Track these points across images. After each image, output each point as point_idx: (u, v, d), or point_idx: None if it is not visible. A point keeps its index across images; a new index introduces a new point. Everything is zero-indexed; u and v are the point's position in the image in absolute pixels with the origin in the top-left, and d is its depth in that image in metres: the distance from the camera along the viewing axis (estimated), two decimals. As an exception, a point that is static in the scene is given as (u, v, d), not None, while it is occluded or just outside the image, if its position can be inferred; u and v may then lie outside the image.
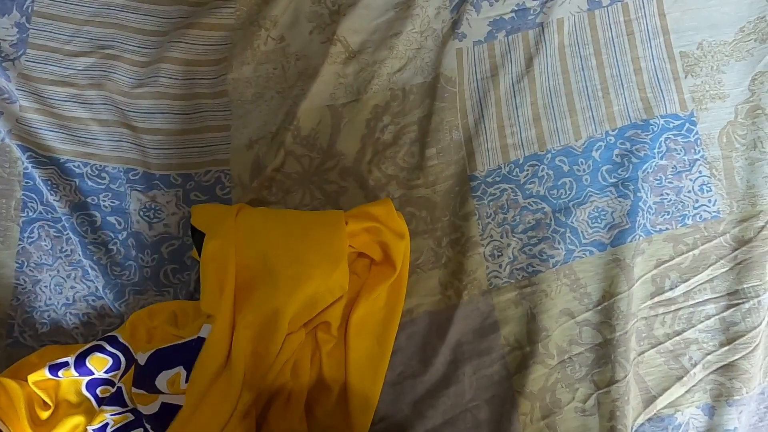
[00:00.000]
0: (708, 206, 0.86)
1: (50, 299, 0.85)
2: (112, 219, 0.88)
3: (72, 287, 0.85)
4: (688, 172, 0.87)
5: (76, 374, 0.75)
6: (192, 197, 0.88)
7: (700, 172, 0.87)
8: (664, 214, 0.86)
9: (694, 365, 0.82)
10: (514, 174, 0.87)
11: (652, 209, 0.86)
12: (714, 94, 0.89)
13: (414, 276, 0.84)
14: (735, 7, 0.91)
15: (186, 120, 0.91)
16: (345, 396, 0.77)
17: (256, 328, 0.71)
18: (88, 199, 0.88)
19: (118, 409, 0.74)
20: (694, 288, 0.84)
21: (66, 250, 0.86)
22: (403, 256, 0.80)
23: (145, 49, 0.93)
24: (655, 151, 0.87)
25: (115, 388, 0.75)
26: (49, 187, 0.86)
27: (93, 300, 0.85)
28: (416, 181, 0.87)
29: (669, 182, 0.87)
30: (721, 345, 0.83)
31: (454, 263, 0.84)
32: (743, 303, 0.83)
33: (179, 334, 0.76)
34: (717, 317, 0.83)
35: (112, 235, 0.87)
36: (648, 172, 0.86)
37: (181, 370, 0.72)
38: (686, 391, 0.82)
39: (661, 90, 0.89)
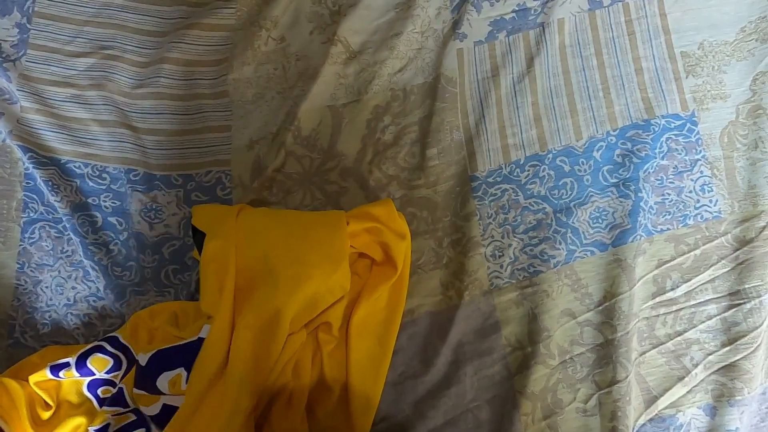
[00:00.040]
0: (709, 206, 0.86)
1: (51, 300, 0.85)
2: (113, 219, 0.88)
3: (73, 288, 0.85)
4: (689, 172, 0.87)
5: (77, 375, 0.75)
6: (193, 198, 0.89)
7: (702, 172, 0.87)
8: (665, 215, 0.86)
9: (696, 365, 0.82)
10: (515, 174, 0.87)
11: (653, 209, 0.86)
12: (715, 94, 0.89)
13: (415, 276, 0.84)
14: (736, 7, 0.90)
15: (187, 120, 0.91)
16: (346, 396, 0.77)
17: (257, 329, 0.71)
18: (89, 200, 0.88)
19: (120, 409, 0.74)
20: (695, 288, 0.84)
21: (67, 251, 0.86)
22: (404, 256, 0.80)
23: (145, 49, 0.93)
24: (657, 151, 0.87)
25: (117, 388, 0.75)
26: (50, 188, 0.86)
27: (94, 300, 0.85)
28: (417, 182, 0.87)
29: (670, 182, 0.87)
30: (723, 345, 0.83)
31: (456, 263, 0.84)
32: (745, 303, 0.83)
33: (180, 335, 0.76)
34: (718, 317, 0.83)
35: (113, 235, 0.87)
36: (649, 172, 0.86)
37: (182, 371, 0.72)
38: (688, 392, 0.82)
39: (662, 90, 0.89)
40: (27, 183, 0.88)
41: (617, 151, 0.87)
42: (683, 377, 0.82)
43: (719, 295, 0.84)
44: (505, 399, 0.80)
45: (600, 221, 0.85)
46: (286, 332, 0.72)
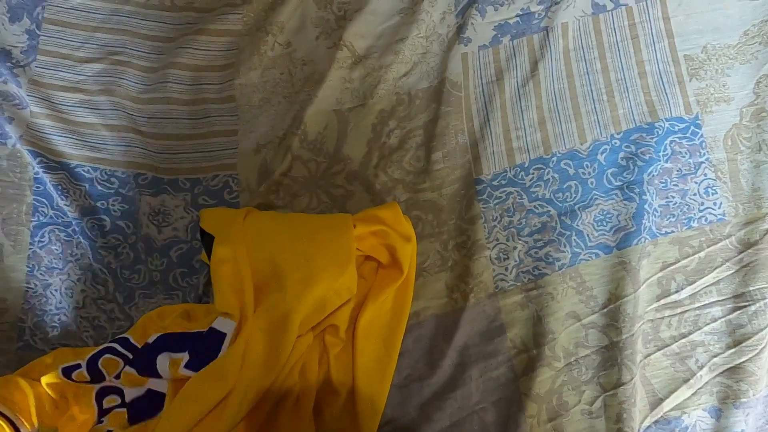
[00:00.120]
0: (713, 209, 0.86)
1: (60, 303, 0.86)
2: (121, 223, 0.88)
3: (82, 291, 0.86)
4: (693, 175, 0.87)
5: (89, 377, 0.75)
6: (200, 201, 0.89)
7: (705, 174, 0.87)
8: (669, 217, 0.86)
9: (701, 368, 0.83)
10: (519, 177, 0.88)
11: (657, 212, 0.86)
12: (719, 97, 0.89)
13: (421, 279, 0.84)
14: (739, 10, 0.91)
15: (194, 125, 0.92)
16: (352, 399, 0.78)
17: (266, 332, 0.72)
18: (98, 204, 0.89)
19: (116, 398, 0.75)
20: (700, 290, 0.84)
21: (76, 254, 0.87)
22: (410, 259, 0.81)
23: (153, 55, 0.94)
24: (660, 154, 0.87)
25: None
26: (59, 192, 0.87)
27: (103, 303, 0.86)
28: (422, 185, 0.88)
29: (674, 185, 0.87)
30: (728, 347, 0.83)
31: (461, 266, 0.85)
32: (749, 305, 0.83)
33: (191, 326, 0.77)
34: (723, 320, 0.83)
35: (121, 238, 0.88)
36: (653, 175, 0.86)
37: (185, 356, 0.72)
38: (693, 394, 0.82)
39: (666, 93, 0.89)
40: (37, 187, 0.89)
41: (621, 154, 0.88)
42: (688, 379, 0.82)
43: (724, 298, 0.84)
44: (511, 401, 0.81)
45: (604, 224, 0.86)
46: (295, 335, 0.72)
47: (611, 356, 0.81)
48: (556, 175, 0.87)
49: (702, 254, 0.85)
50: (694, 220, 0.86)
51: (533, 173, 0.88)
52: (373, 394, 0.78)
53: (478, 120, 0.90)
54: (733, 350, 0.82)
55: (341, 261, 0.75)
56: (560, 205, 0.86)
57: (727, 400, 0.82)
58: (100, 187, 0.89)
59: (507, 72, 0.91)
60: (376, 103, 0.91)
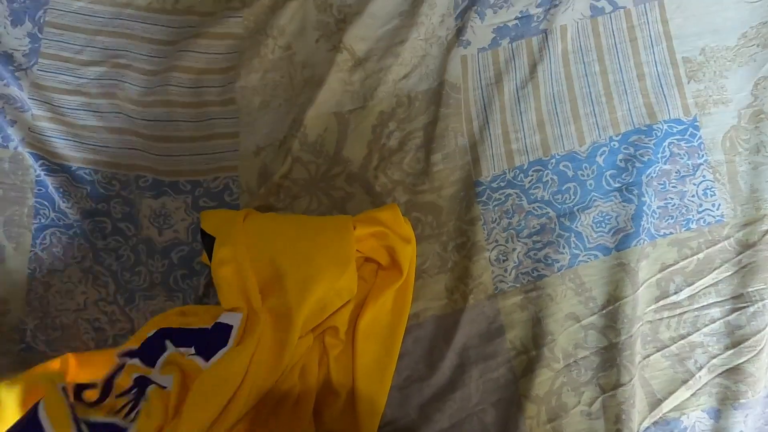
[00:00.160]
0: (712, 210, 0.86)
1: (62, 305, 0.86)
2: (122, 225, 0.89)
3: (83, 292, 0.87)
4: (691, 177, 0.88)
5: (99, 395, 0.73)
6: (201, 203, 0.90)
7: (704, 176, 0.88)
8: (668, 219, 0.87)
9: (700, 369, 0.83)
10: (518, 179, 0.88)
11: (656, 213, 0.87)
12: (717, 99, 0.89)
13: (420, 280, 0.84)
14: (737, 12, 0.91)
15: (195, 127, 0.93)
16: (352, 400, 0.78)
17: (270, 333, 0.72)
18: (99, 206, 0.89)
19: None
20: (698, 292, 0.85)
21: (77, 256, 0.88)
22: (409, 260, 0.81)
23: (154, 58, 0.95)
24: (659, 155, 0.88)
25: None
26: (60, 194, 0.88)
27: (104, 305, 0.87)
28: (422, 187, 0.88)
29: (673, 186, 0.87)
30: (727, 348, 0.83)
31: (460, 268, 0.85)
32: (748, 306, 0.83)
33: (189, 322, 0.77)
34: (722, 321, 0.84)
35: (122, 241, 0.88)
36: (652, 177, 0.87)
37: (191, 350, 0.72)
38: (692, 395, 0.82)
39: (665, 95, 0.89)
40: (38, 190, 0.89)
41: (620, 156, 0.88)
42: (687, 380, 0.83)
43: (722, 299, 0.84)
44: (510, 402, 0.81)
45: (603, 225, 0.86)
46: (297, 335, 0.72)
47: (610, 357, 0.81)
48: (555, 177, 0.88)
49: (701, 255, 0.85)
50: (692, 222, 0.86)
51: (532, 175, 0.88)
52: (373, 395, 0.78)
53: (477, 122, 0.91)
54: (731, 351, 0.83)
55: (341, 261, 0.75)
56: (559, 206, 0.87)
57: (726, 401, 0.82)
58: (101, 190, 0.90)
59: (506, 74, 0.92)
60: (376, 106, 0.92)
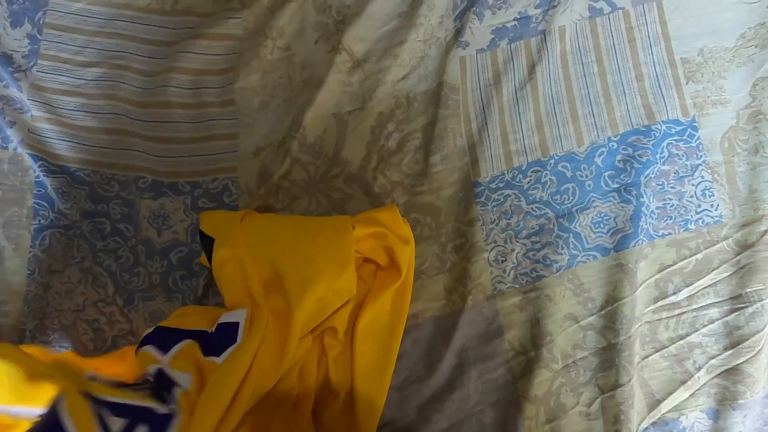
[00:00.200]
0: (710, 211, 0.87)
1: (61, 306, 0.86)
2: (121, 226, 0.89)
3: (82, 293, 0.87)
4: (690, 177, 0.88)
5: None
6: (200, 204, 0.90)
7: (702, 177, 0.88)
8: (666, 219, 0.87)
9: (698, 369, 0.83)
10: (517, 180, 0.88)
11: (654, 214, 0.87)
12: (715, 100, 0.89)
13: (419, 281, 0.84)
14: (736, 13, 0.91)
15: (194, 128, 0.93)
16: (351, 401, 0.78)
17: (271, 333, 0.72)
18: (98, 207, 0.89)
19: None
20: (697, 292, 0.85)
21: (76, 257, 0.88)
22: (408, 261, 0.81)
23: (153, 59, 0.95)
24: (658, 156, 0.88)
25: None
26: (60, 195, 0.88)
27: (103, 306, 0.87)
28: (421, 188, 0.88)
29: (671, 187, 0.87)
30: (725, 349, 0.83)
31: (459, 268, 0.85)
32: (747, 307, 0.83)
33: (183, 324, 0.76)
34: (720, 321, 0.84)
35: (121, 241, 0.88)
36: (650, 178, 0.87)
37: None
38: (690, 395, 0.82)
39: (663, 96, 0.89)
40: (37, 191, 0.89)
41: (618, 157, 0.88)
42: (686, 381, 0.83)
43: (721, 299, 0.84)
44: (509, 403, 0.81)
45: (602, 226, 0.86)
46: (298, 336, 0.72)
47: (609, 358, 0.81)
48: (553, 178, 0.88)
49: (699, 256, 0.85)
50: (691, 222, 0.86)
51: (531, 176, 0.88)
52: (372, 396, 0.78)
53: (476, 123, 0.91)
54: (730, 352, 0.83)
55: (341, 262, 0.76)
56: (558, 207, 0.87)
57: (725, 401, 0.82)
58: (100, 191, 0.90)
59: (504, 75, 0.92)
60: (375, 107, 0.92)
